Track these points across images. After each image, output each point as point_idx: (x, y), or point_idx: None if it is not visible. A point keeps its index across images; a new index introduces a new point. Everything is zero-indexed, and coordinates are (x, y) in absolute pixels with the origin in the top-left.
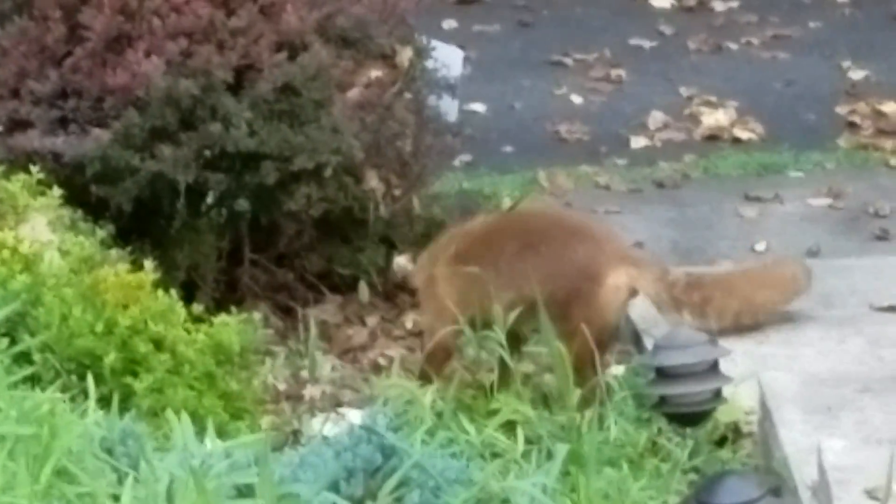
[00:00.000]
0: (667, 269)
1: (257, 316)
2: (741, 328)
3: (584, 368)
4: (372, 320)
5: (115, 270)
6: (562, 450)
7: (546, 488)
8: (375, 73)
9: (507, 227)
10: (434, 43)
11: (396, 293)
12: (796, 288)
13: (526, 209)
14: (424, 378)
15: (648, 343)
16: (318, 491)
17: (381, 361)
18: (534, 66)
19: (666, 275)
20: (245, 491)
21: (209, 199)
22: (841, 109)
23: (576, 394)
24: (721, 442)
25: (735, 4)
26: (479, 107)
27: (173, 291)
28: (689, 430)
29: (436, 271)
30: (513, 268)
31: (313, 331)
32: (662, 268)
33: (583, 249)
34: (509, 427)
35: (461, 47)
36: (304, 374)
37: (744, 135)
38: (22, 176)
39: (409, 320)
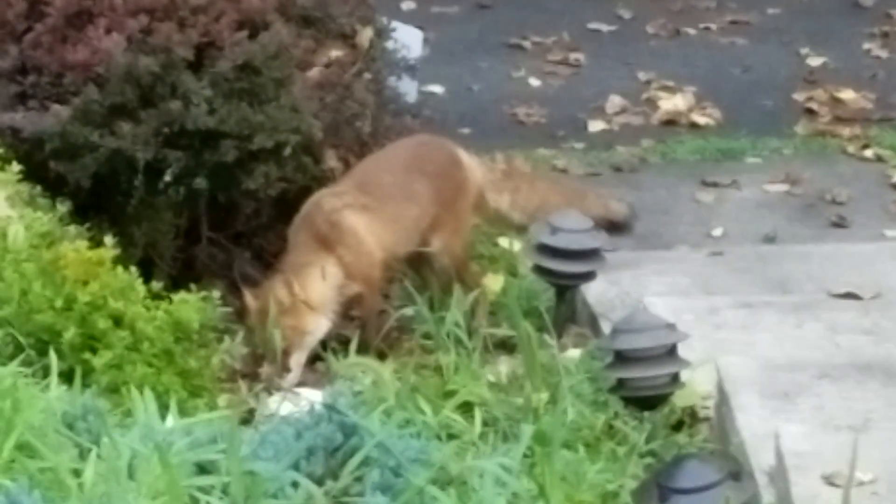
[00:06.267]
0: (487, 162)
1: (216, 294)
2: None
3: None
4: None
5: (75, 246)
6: (527, 430)
7: (510, 468)
8: (336, 52)
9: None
10: (394, 24)
11: None
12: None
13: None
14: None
15: (605, 327)
16: (281, 469)
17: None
18: (492, 49)
19: (490, 164)
20: (206, 467)
21: (167, 177)
22: (798, 96)
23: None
24: (677, 426)
25: None
26: (437, 88)
27: (132, 268)
28: (646, 414)
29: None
30: (411, 190)
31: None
32: (484, 161)
33: (439, 152)
34: (466, 408)
35: (420, 28)
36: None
37: (701, 120)
38: None
39: None
